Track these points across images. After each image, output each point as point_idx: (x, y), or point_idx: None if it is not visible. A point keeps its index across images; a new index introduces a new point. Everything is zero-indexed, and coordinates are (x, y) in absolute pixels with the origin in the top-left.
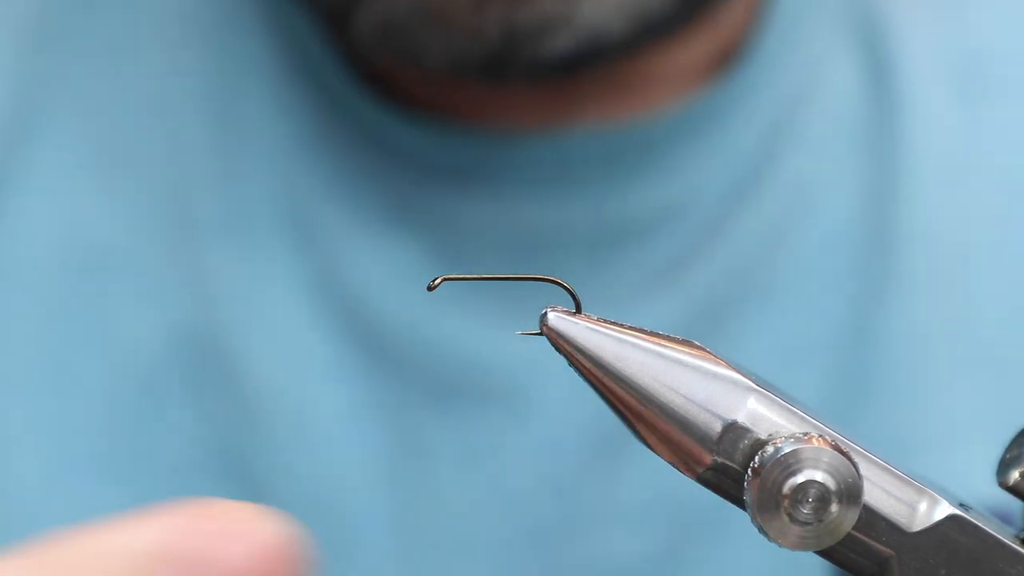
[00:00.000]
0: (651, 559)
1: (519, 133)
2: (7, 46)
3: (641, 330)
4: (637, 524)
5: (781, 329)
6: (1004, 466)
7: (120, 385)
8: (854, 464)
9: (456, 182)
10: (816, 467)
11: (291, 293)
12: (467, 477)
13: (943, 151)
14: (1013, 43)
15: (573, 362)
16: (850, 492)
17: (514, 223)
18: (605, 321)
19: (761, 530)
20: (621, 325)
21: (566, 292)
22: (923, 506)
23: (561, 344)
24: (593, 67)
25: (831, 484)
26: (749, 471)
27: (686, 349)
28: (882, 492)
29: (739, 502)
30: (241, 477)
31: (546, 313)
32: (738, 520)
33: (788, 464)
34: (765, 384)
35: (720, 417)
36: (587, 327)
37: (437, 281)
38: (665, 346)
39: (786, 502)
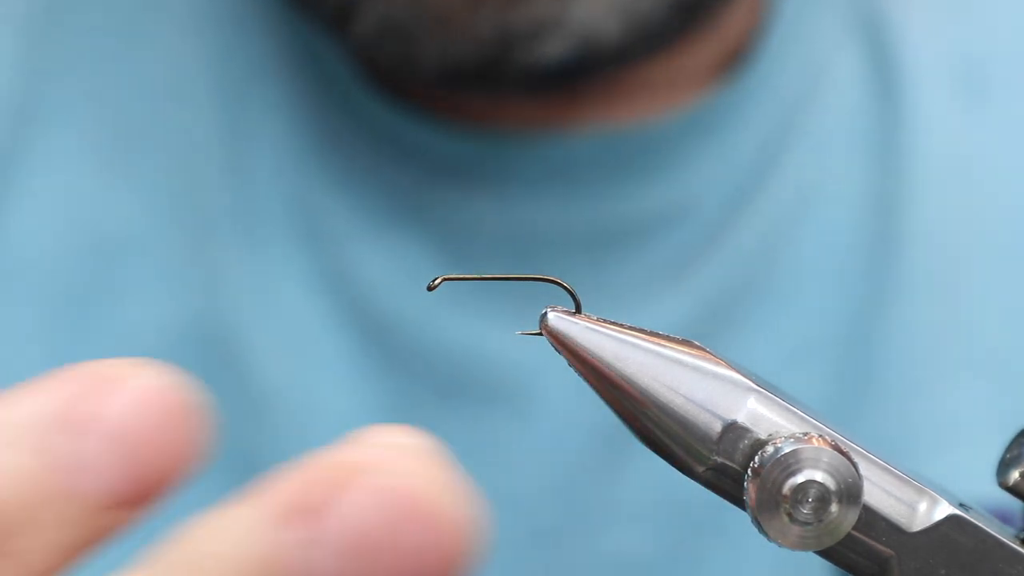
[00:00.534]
0: (652, 558)
1: (521, 134)
2: (17, 35)
3: (641, 330)
4: (638, 523)
5: (783, 330)
6: (1004, 466)
7: None
8: (854, 464)
9: (462, 181)
10: (816, 467)
11: (298, 289)
12: (470, 475)
13: (946, 154)
14: (1016, 46)
15: (573, 362)
16: (850, 492)
17: (517, 223)
18: (605, 321)
19: (761, 530)
20: (621, 325)
21: (566, 292)
22: (923, 506)
23: (561, 344)
24: (589, 75)
25: (831, 484)
26: (749, 471)
27: (686, 349)
28: (882, 492)
29: (739, 502)
30: (247, 471)
31: (546, 313)
32: (738, 520)
33: (788, 464)
34: (765, 384)
35: (720, 417)
36: (587, 327)
37: (437, 281)
38: (665, 346)
39: (786, 502)
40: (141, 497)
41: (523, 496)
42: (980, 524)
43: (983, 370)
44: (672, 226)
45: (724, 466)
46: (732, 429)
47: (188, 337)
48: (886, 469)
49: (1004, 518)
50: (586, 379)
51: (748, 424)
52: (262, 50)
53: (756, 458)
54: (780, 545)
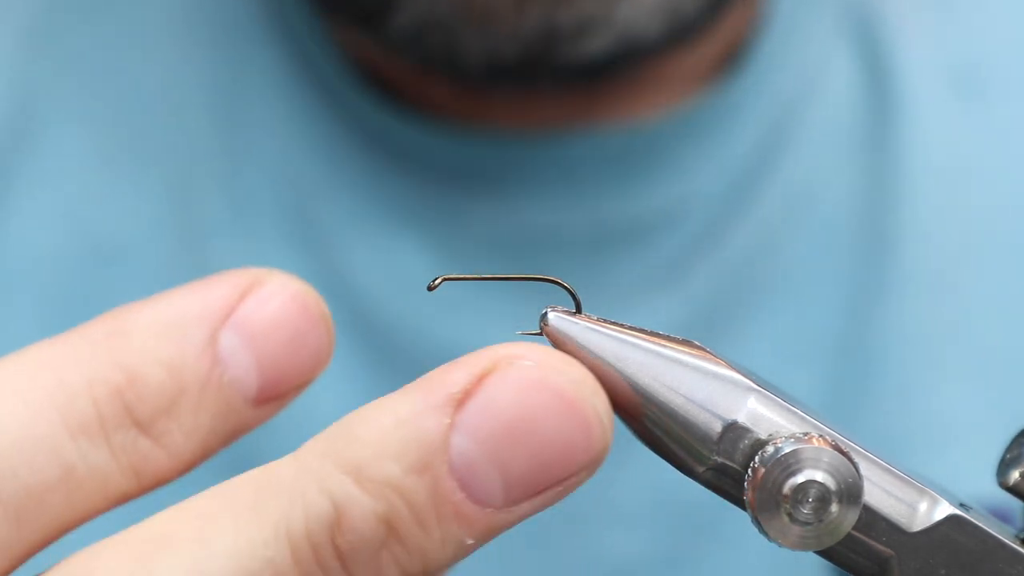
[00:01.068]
0: (651, 558)
1: (517, 136)
2: (16, 41)
3: (641, 330)
4: (638, 524)
5: (781, 329)
6: (1004, 466)
7: None
8: (854, 464)
9: (459, 183)
10: (816, 467)
11: None
12: None
13: (940, 154)
14: (1010, 47)
15: None
16: (850, 492)
17: (516, 224)
18: (605, 321)
19: (761, 530)
20: (621, 325)
21: (566, 292)
22: (923, 506)
23: (561, 344)
24: (622, 69)
25: (831, 484)
26: (749, 471)
27: (686, 349)
28: (882, 492)
29: (739, 502)
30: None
31: (546, 313)
32: (738, 520)
33: (788, 464)
34: (765, 384)
35: (720, 417)
36: (587, 327)
37: (437, 281)
38: (665, 346)
39: (786, 502)
40: (280, 395)
41: None
42: (980, 524)
43: (980, 369)
44: (670, 225)
45: (724, 466)
46: (732, 429)
47: None
48: (886, 469)
49: (1004, 518)
50: None
51: (748, 424)
52: (260, 54)
53: (756, 458)
54: (780, 545)
